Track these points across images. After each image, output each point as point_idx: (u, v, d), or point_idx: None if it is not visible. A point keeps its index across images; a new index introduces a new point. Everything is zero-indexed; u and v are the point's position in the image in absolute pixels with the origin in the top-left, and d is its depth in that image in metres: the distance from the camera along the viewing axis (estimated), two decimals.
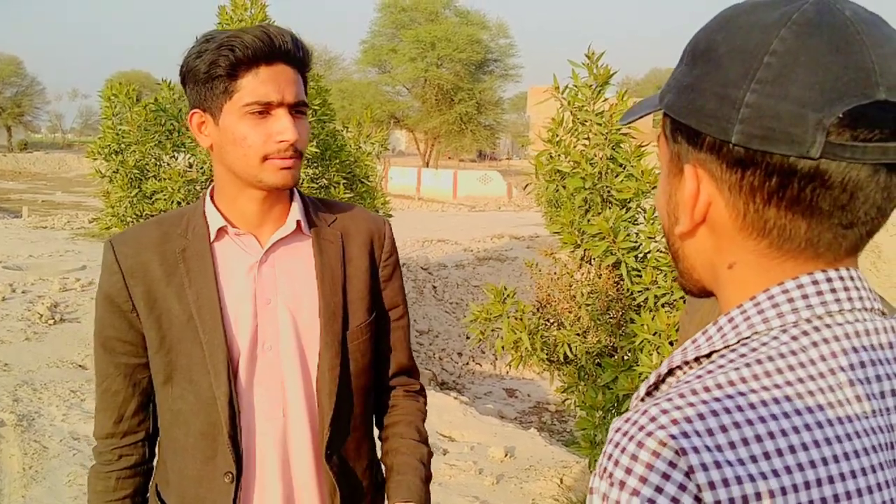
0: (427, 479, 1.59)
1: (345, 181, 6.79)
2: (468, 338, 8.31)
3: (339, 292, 1.51)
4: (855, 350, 0.63)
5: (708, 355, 0.68)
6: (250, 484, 1.47)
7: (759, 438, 0.59)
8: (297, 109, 1.40)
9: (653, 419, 0.60)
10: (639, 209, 3.70)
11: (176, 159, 6.41)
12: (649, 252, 3.56)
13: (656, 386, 0.70)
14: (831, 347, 0.63)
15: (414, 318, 9.01)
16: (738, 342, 0.66)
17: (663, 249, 3.60)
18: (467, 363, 8.24)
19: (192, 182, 6.10)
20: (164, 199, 6.01)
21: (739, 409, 0.60)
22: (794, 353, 0.63)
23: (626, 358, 3.48)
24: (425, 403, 1.73)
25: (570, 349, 3.54)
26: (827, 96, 0.60)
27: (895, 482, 0.62)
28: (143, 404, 1.52)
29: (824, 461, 0.59)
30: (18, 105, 71.51)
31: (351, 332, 1.51)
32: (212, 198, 1.50)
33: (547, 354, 3.60)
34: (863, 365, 0.63)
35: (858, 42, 0.61)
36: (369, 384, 1.60)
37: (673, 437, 0.59)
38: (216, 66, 1.34)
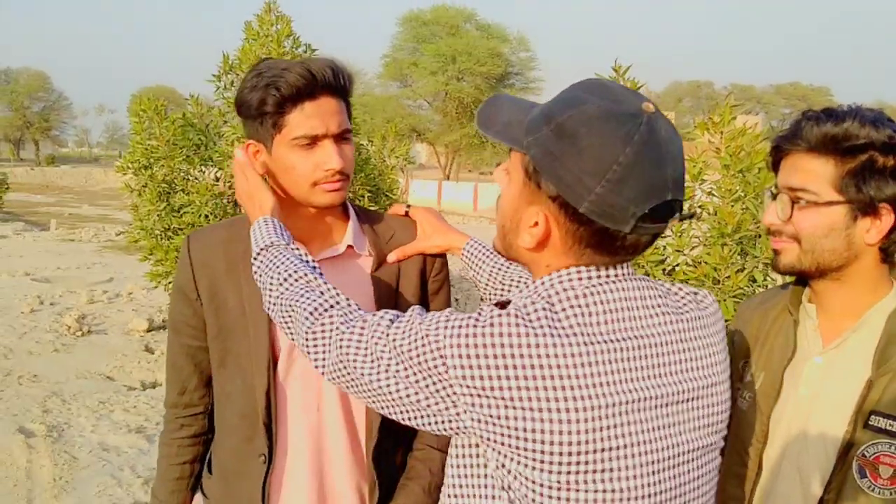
0: (431, 487, 1.64)
1: (370, 194, 6.82)
2: None
3: (391, 307, 1.59)
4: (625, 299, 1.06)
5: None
6: (281, 467, 1.60)
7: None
8: (342, 137, 1.51)
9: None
10: None
11: (203, 173, 6.47)
12: (677, 265, 3.55)
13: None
14: (603, 309, 1.03)
15: None
16: (548, 299, 1.03)
17: (691, 262, 3.59)
18: None
19: (219, 196, 6.16)
20: (192, 213, 6.07)
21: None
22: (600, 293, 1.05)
23: None
24: None
25: None
26: (643, 197, 0.97)
27: None
28: (203, 382, 1.69)
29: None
30: (46, 120, 72.75)
31: None
32: None
33: None
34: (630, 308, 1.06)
35: (664, 159, 0.98)
36: None
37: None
38: (265, 104, 1.46)
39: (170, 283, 6.43)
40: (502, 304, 1.03)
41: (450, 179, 41.37)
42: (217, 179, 6.40)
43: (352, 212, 1.66)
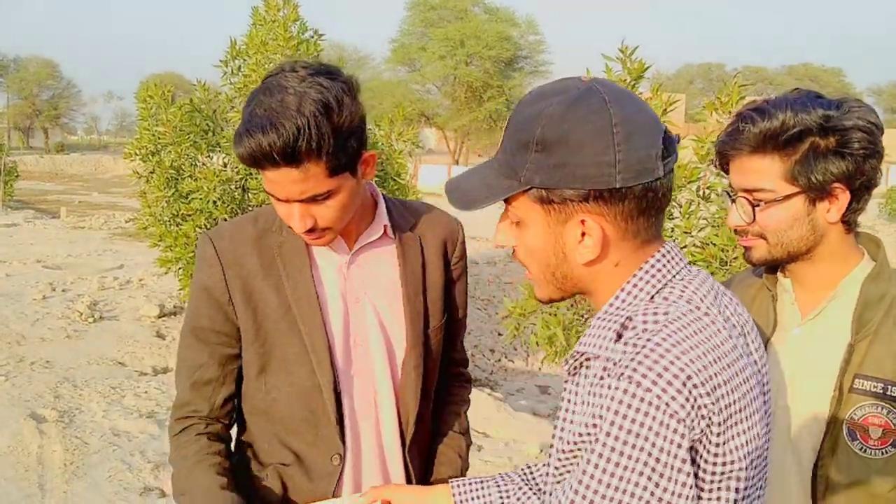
0: (463, 470, 1.70)
1: (377, 179, 6.81)
2: (500, 335, 8.32)
3: (420, 294, 1.59)
4: (701, 284, 1.03)
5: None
6: (353, 467, 1.55)
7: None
8: (314, 199, 1.35)
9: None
10: (674, 203, 3.67)
11: (211, 159, 6.49)
12: (685, 247, 3.54)
13: (619, 336, 0.99)
14: (703, 283, 1.03)
15: None
16: (657, 292, 1.01)
17: (699, 244, 3.57)
18: (500, 360, 8.23)
19: (227, 181, 6.17)
20: (200, 199, 6.08)
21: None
22: (695, 286, 1.02)
23: None
24: (470, 391, 1.83)
25: None
26: (653, 137, 0.97)
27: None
28: (232, 394, 1.56)
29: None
30: (55, 107, 72.89)
31: (431, 331, 1.61)
32: None
33: None
34: (707, 294, 1.02)
35: (638, 101, 1.00)
36: (437, 380, 1.68)
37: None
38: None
39: (180, 268, 6.45)
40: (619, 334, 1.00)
41: (459, 164, 41.27)
42: (225, 165, 6.41)
43: (380, 196, 1.61)
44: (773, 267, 1.53)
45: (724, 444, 0.92)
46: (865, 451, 1.36)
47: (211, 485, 1.45)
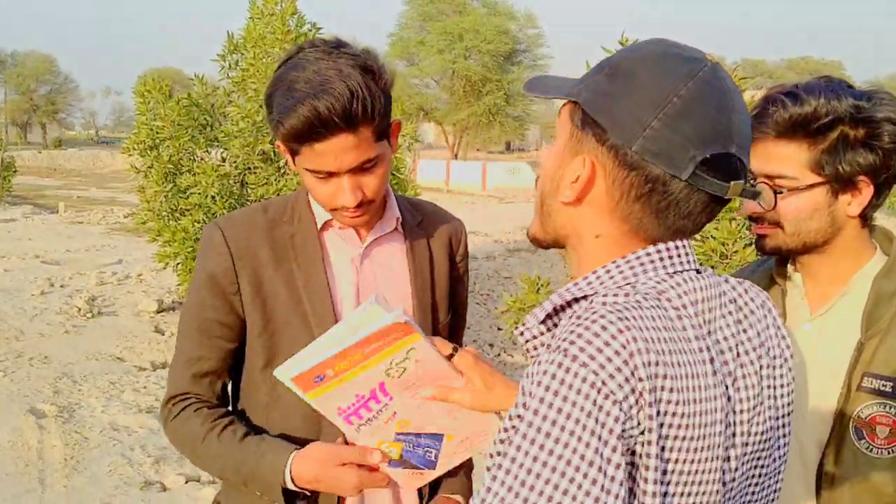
0: (469, 470, 1.67)
1: None
2: (500, 329, 8.31)
3: (428, 290, 1.57)
4: (693, 290, 0.91)
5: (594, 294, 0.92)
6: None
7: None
8: (362, 168, 1.35)
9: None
10: None
11: (209, 154, 6.46)
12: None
13: (555, 313, 0.94)
14: (683, 289, 0.90)
15: None
16: (627, 285, 0.90)
17: (698, 237, 3.57)
18: (499, 355, 8.22)
19: (225, 176, 6.16)
20: (199, 194, 6.07)
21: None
22: (676, 281, 0.91)
23: None
24: None
25: None
26: (704, 139, 0.86)
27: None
28: (226, 384, 1.53)
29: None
30: (53, 103, 72.84)
31: (439, 327, 1.59)
32: None
33: None
34: (697, 301, 0.91)
35: (730, 107, 0.88)
36: None
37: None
38: (277, 132, 1.31)
39: (178, 263, 6.44)
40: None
41: (458, 159, 41.23)
42: (223, 160, 6.39)
43: (389, 189, 1.57)
44: (783, 259, 1.50)
45: (666, 447, 0.83)
46: (872, 450, 1.33)
47: (232, 440, 1.42)
